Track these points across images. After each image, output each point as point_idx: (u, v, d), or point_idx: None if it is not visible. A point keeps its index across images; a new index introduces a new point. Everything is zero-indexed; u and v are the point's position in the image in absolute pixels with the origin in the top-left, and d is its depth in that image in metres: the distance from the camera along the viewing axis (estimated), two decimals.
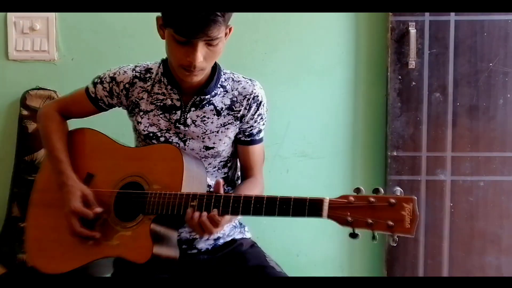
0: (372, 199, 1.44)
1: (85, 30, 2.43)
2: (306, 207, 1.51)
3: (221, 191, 1.63)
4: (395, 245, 1.43)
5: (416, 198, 1.42)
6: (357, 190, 1.47)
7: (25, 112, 2.39)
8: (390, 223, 1.41)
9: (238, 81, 1.84)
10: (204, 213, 1.59)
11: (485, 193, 2.38)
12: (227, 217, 1.63)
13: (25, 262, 2.30)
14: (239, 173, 1.96)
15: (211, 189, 1.75)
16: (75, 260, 1.75)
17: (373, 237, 1.44)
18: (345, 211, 1.46)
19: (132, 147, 1.87)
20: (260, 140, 1.89)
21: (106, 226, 1.74)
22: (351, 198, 1.46)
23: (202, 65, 1.67)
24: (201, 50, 1.64)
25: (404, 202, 1.42)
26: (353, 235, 1.46)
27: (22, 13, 2.40)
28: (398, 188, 1.45)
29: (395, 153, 2.37)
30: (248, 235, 1.95)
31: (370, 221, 1.43)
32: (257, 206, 1.56)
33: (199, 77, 1.72)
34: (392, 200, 1.42)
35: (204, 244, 1.85)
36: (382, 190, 1.45)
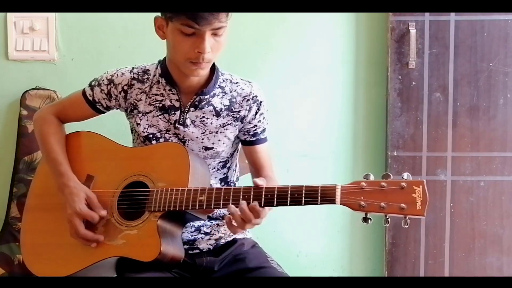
0: (383, 184, 1.49)
1: (85, 30, 2.42)
2: (319, 195, 1.53)
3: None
4: (407, 227, 1.47)
5: (425, 181, 1.47)
6: (367, 176, 1.52)
7: (24, 112, 2.38)
8: (402, 205, 1.46)
9: (236, 83, 1.84)
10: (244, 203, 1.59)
11: (485, 193, 2.38)
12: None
13: (24, 263, 2.30)
14: (238, 174, 1.95)
15: None
16: (75, 263, 1.72)
17: (386, 221, 1.49)
18: (358, 196, 1.50)
19: (133, 147, 1.87)
20: (265, 140, 1.89)
21: (110, 226, 1.71)
22: (363, 184, 1.50)
23: (209, 57, 1.68)
24: (209, 40, 1.65)
25: (414, 185, 1.47)
26: (366, 220, 1.50)
27: (22, 13, 2.39)
28: (406, 173, 1.50)
29: (395, 153, 2.37)
30: (249, 235, 1.95)
31: (383, 204, 1.47)
32: (268, 196, 1.57)
33: (205, 70, 1.73)
34: (403, 184, 1.47)
35: (205, 244, 1.84)
36: (391, 175, 1.50)
